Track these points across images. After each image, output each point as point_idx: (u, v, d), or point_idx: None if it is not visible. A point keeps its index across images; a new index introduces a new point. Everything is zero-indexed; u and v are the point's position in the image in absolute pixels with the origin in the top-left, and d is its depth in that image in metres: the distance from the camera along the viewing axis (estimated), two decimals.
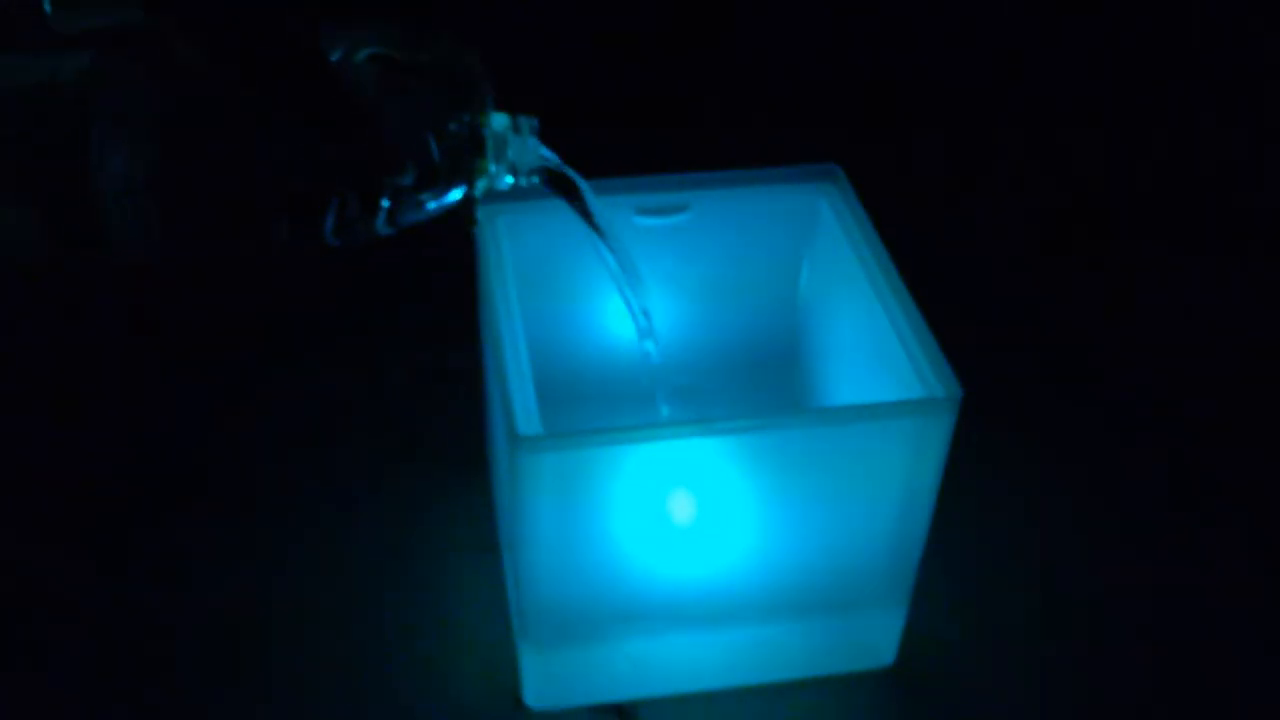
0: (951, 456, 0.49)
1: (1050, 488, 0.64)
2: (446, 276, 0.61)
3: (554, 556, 0.49)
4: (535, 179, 0.49)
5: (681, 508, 0.49)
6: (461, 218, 0.48)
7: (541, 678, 0.53)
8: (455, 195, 0.47)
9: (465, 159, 0.46)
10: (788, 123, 0.87)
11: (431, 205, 0.46)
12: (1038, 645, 0.57)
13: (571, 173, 0.49)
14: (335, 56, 0.44)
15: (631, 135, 0.82)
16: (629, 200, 0.55)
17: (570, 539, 0.49)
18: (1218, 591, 0.59)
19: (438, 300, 0.69)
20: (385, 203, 0.44)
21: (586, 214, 0.50)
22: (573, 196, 0.50)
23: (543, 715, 0.53)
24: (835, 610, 0.53)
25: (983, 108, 0.91)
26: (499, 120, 0.47)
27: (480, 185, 0.47)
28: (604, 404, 0.54)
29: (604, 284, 0.52)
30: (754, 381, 0.61)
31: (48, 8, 0.42)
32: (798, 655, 0.54)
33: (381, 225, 0.45)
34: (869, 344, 0.52)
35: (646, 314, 0.52)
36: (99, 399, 0.66)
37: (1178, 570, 0.60)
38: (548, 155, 0.48)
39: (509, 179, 0.48)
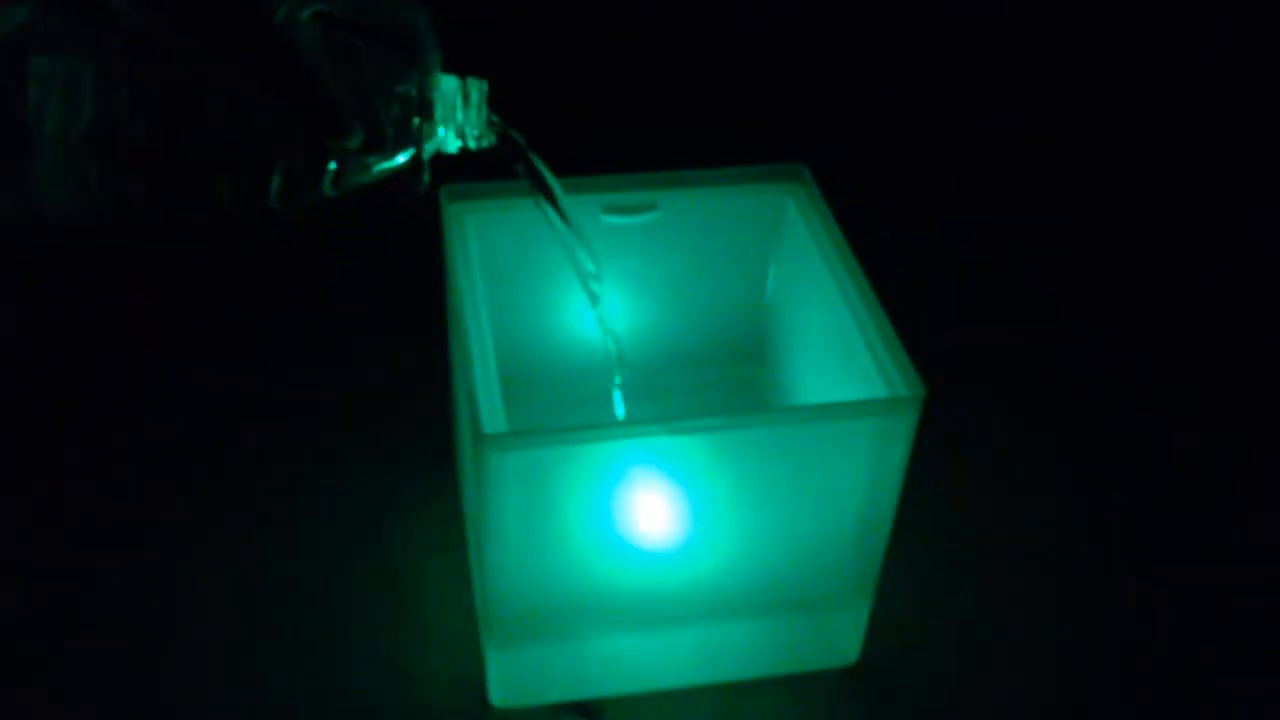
0: (915, 455, 0.49)
1: (1014, 486, 0.64)
2: (413, 274, 0.61)
3: (519, 554, 0.49)
4: (484, 143, 0.48)
5: (646, 506, 0.49)
6: (409, 182, 0.48)
7: (507, 676, 0.53)
8: (402, 158, 0.46)
9: (413, 122, 0.46)
10: (755, 120, 0.87)
11: (378, 169, 0.46)
12: (1000, 643, 0.57)
13: (519, 137, 0.49)
14: (279, 15, 0.42)
15: (599, 132, 0.83)
16: (596, 199, 0.55)
17: (535, 537, 0.49)
18: (1182, 586, 0.59)
19: (406, 299, 0.69)
20: (331, 165, 0.44)
21: (538, 179, 0.49)
22: (522, 161, 0.49)
23: (508, 714, 0.53)
24: (799, 608, 0.53)
25: (949, 107, 0.91)
26: (448, 83, 0.46)
27: (428, 149, 0.47)
28: (570, 402, 0.55)
29: (571, 282, 0.52)
30: (720, 380, 0.62)
31: None
32: (762, 653, 0.54)
33: (327, 188, 0.44)
34: (834, 343, 0.52)
35: (598, 279, 0.52)
36: (81, 389, 0.66)
37: (1142, 566, 0.60)
38: (496, 120, 0.48)
39: (457, 143, 0.47)
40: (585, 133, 0.81)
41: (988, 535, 0.61)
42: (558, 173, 0.51)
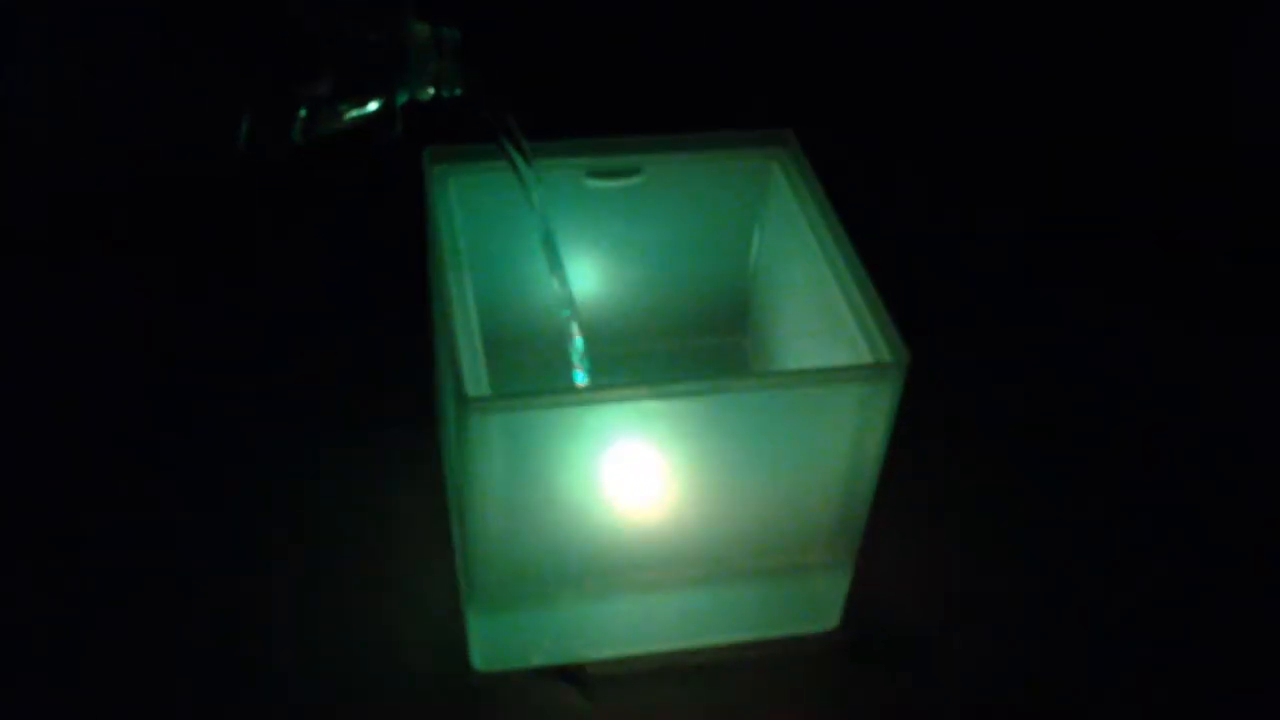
0: (899, 421, 0.49)
1: (999, 453, 0.64)
2: (396, 236, 0.61)
3: (501, 518, 0.49)
4: (457, 92, 0.47)
5: (630, 470, 0.49)
6: (381, 131, 0.47)
7: (489, 641, 0.53)
8: (374, 106, 0.46)
9: (385, 70, 0.45)
10: (742, 88, 0.87)
11: (349, 116, 0.45)
12: (983, 609, 0.57)
13: (491, 87, 0.48)
14: None
15: (585, 95, 0.82)
16: (581, 162, 0.55)
17: (518, 501, 0.49)
18: (1159, 562, 0.60)
19: (389, 262, 0.68)
20: (301, 112, 0.43)
21: (508, 132, 0.49)
22: (492, 112, 0.49)
23: (491, 678, 0.53)
24: (782, 573, 0.53)
25: (938, 74, 0.91)
26: (421, 31, 0.46)
27: (400, 97, 0.46)
28: (554, 366, 0.54)
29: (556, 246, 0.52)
30: (705, 345, 0.61)
31: None
32: (744, 617, 0.54)
33: (297, 136, 0.44)
34: (819, 308, 0.52)
35: (554, 243, 0.51)
36: (80, 389, 0.66)
37: (1130, 527, 0.61)
38: (469, 70, 0.47)
39: (429, 91, 0.47)
40: (569, 94, 0.81)
41: (970, 501, 0.62)
42: (542, 135, 0.51)
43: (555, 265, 0.52)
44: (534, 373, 0.56)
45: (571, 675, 0.54)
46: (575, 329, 0.52)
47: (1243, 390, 0.69)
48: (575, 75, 0.86)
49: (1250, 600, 0.59)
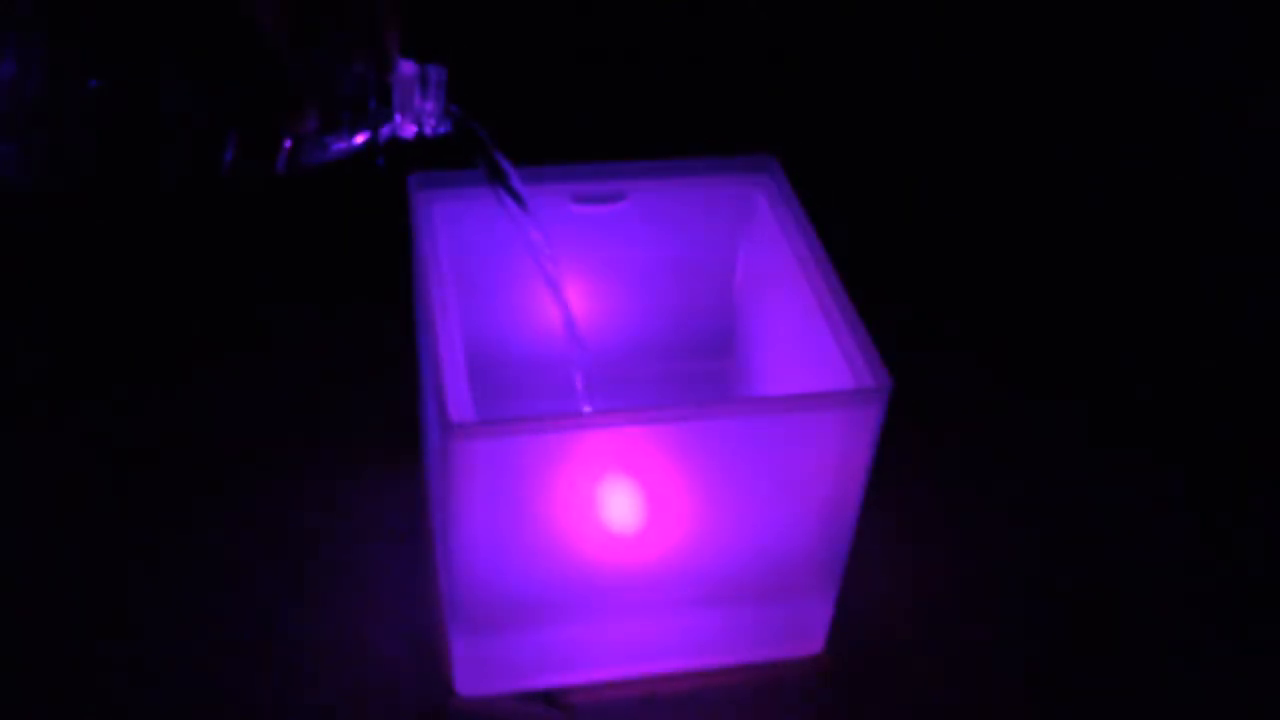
0: (882, 446, 0.49)
1: (979, 477, 0.64)
2: (382, 261, 0.61)
3: (486, 544, 0.49)
4: (441, 131, 0.48)
5: (614, 496, 0.49)
6: (364, 164, 0.47)
7: (473, 664, 0.53)
8: (358, 141, 0.46)
9: (370, 105, 0.45)
10: (725, 112, 0.87)
11: (333, 150, 0.45)
12: (966, 633, 0.57)
13: (478, 127, 0.48)
14: None
15: (569, 120, 0.83)
16: (565, 188, 0.55)
17: (502, 526, 0.49)
18: (1149, 588, 0.60)
19: (373, 286, 0.68)
20: (285, 144, 0.43)
21: (496, 171, 0.49)
22: (479, 151, 0.49)
23: (473, 702, 0.53)
24: (765, 598, 0.53)
25: (920, 99, 0.92)
26: (406, 67, 0.46)
27: (384, 132, 0.46)
28: (539, 392, 0.54)
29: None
30: (688, 371, 0.62)
31: None
32: (728, 642, 0.54)
33: (281, 166, 0.44)
34: (802, 334, 0.53)
35: (556, 276, 0.51)
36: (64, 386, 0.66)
37: (1105, 552, 0.61)
38: (455, 109, 0.47)
39: (413, 129, 0.47)
40: (554, 119, 0.81)
41: (954, 525, 0.62)
42: (527, 160, 0.51)
43: (561, 305, 0.52)
44: (518, 396, 0.56)
45: (554, 699, 0.54)
46: (581, 355, 0.53)
47: (1232, 389, 0.70)
48: (559, 100, 0.86)
49: (1258, 631, 0.59)
